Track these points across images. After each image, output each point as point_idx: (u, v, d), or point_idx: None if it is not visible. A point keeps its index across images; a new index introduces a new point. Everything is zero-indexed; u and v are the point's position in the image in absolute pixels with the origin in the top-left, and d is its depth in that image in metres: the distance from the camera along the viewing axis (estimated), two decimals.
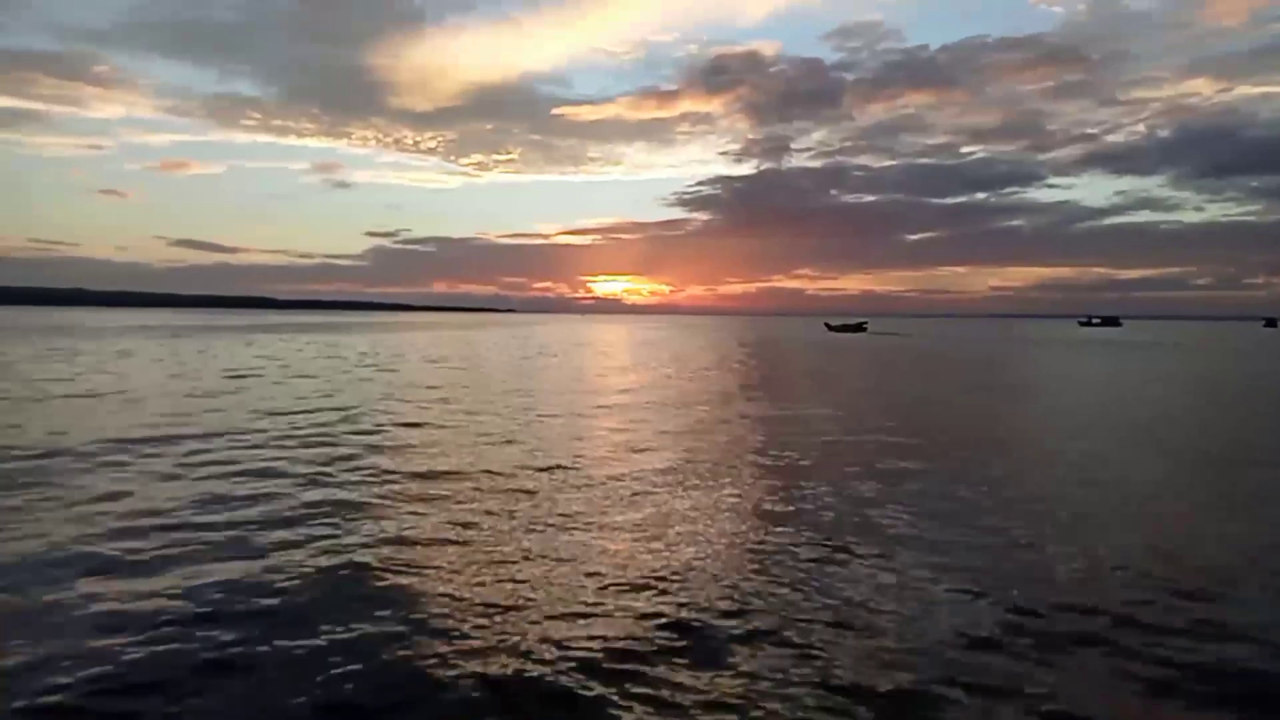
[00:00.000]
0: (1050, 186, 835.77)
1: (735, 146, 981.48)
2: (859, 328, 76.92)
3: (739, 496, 8.72)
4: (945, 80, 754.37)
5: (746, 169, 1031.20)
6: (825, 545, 6.84)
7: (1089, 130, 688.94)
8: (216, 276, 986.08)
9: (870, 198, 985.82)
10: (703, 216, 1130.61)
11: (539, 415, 15.43)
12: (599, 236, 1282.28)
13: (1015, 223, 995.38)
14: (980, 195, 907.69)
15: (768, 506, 8.24)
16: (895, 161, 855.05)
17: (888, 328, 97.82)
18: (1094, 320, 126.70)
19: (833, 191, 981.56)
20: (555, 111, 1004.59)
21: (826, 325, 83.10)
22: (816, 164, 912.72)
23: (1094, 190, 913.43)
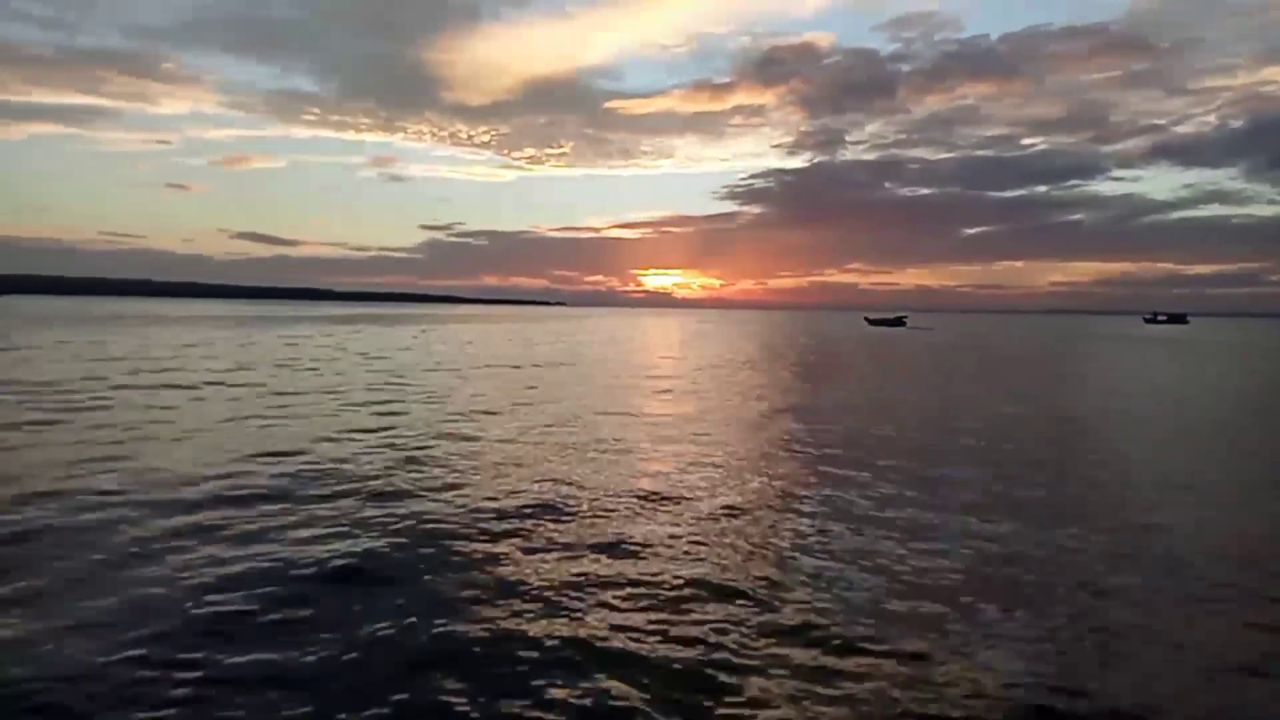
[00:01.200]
0: (1114, 179, 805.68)
1: (788, 139, 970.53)
2: (898, 322, 77.50)
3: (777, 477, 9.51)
4: (1005, 70, 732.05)
5: (799, 162, 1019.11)
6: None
7: (1156, 121, 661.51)
8: (275, 268, 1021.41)
9: (925, 191, 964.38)
10: (754, 210, 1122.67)
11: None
12: (650, 230, 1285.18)
13: (1076, 216, 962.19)
14: (1040, 188, 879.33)
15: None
16: (952, 154, 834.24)
17: (927, 323, 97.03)
18: (1160, 317, 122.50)
19: (887, 184, 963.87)
20: (607, 105, 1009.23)
21: (866, 319, 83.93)
22: (870, 157, 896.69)
23: (1160, 183, 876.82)
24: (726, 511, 7.64)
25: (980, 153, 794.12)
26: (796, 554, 6.40)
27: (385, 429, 11.91)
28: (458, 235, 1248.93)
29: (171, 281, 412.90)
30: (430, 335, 45.47)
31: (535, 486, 8.44)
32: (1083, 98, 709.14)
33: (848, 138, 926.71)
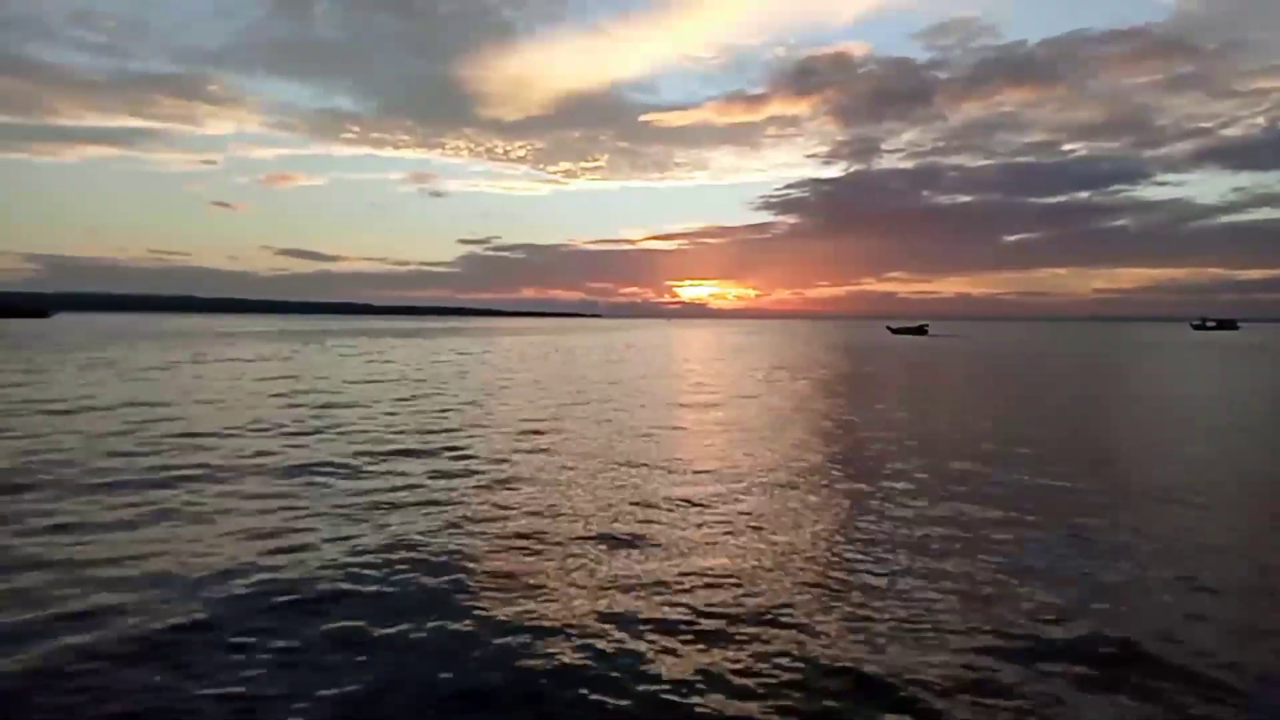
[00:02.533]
0: (1159, 184, 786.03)
1: (823, 149, 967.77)
2: (920, 330, 79.52)
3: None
4: (1045, 76, 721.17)
5: (835, 171, 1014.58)
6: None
7: (1202, 124, 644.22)
8: (318, 284, 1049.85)
9: (965, 198, 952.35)
10: (790, 220, 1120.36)
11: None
12: (685, 241, 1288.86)
13: (1121, 222, 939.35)
14: (1083, 194, 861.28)
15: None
16: (991, 161, 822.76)
17: (956, 330, 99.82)
18: (1208, 324, 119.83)
19: (925, 192, 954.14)
20: (642, 118, 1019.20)
21: (889, 328, 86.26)
22: (908, 165, 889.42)
23: (1208, 187, 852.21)
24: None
25: (1020, 159, 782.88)
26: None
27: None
28: (495, 249, 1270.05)
29: (217, 298, 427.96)
30: (509, 347, 47.31)
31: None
32: (1126, 102, 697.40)
33: (884, 146, 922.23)
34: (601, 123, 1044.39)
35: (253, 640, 4.86)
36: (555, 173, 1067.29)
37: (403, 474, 9.71)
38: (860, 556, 6.59)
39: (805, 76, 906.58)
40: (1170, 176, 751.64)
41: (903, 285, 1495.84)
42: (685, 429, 14.10)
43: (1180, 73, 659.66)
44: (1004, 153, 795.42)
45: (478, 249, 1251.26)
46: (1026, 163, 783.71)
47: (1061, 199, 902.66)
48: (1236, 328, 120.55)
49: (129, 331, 63.14)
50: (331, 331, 75.63)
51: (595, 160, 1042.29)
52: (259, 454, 10.81)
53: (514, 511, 7.95)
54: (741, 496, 8.76)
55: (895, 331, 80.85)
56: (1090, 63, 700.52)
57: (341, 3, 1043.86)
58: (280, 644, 4.81)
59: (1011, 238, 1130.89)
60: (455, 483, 9.26)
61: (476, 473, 9.84)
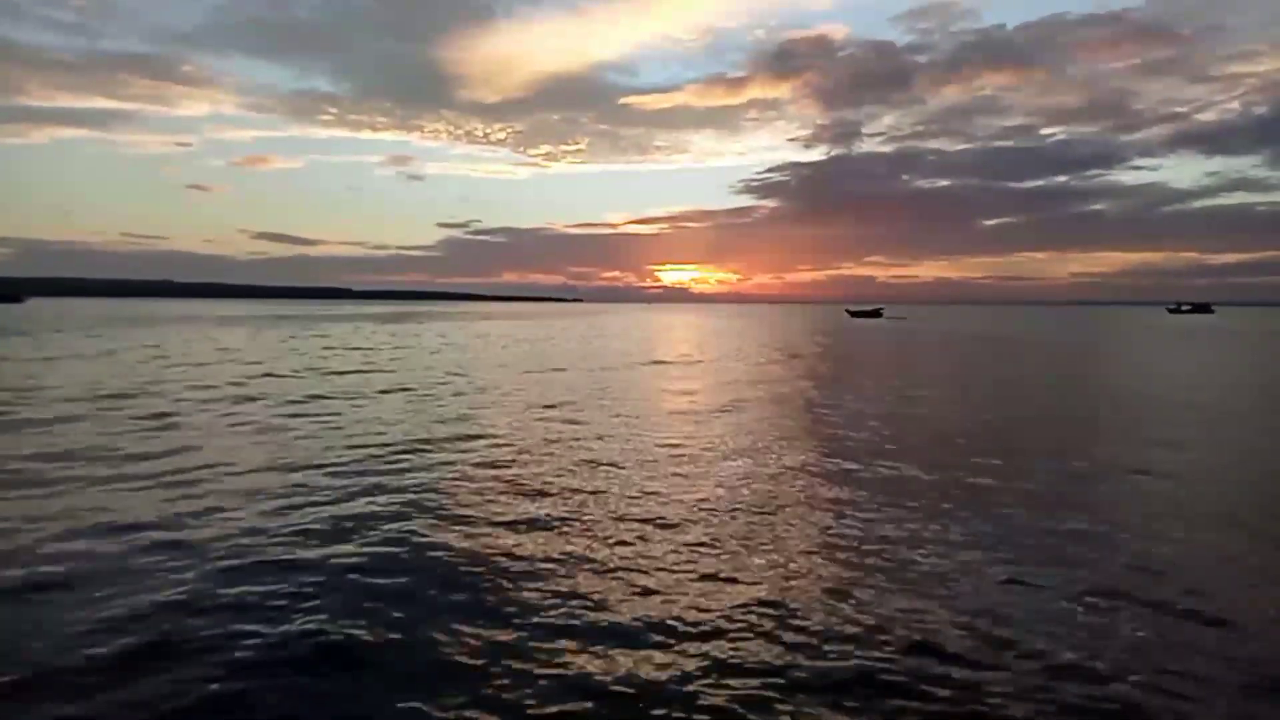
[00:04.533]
0: (1135, 168, 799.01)
1: (804, 132, 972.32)
2: (875, 314, 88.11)
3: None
4: (1023, 60, 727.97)
5: (816, 155, 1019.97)
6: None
7: (1178, 109, 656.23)
8: (296, 268, 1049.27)
9: (944, 182, 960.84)
10: (771, 204, 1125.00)
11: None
12: (666, 225, 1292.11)
13: (1098, 206, 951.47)
14: (1060, 178, 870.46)
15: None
16: (970, 145, 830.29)
17: (903, 314, 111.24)
18: (1184, 307, 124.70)
19: (905, 176, 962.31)
20: (622, 101, 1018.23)
21: (847, 311, 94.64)
22: (888, 149, 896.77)
23: (1183, 171, 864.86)
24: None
25: (999, 143, 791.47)
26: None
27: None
28: (475, 233, 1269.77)
29: (194, 283, 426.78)
30: (494, 332, 51.01)
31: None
32: (1103, 86, 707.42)
33: (864, 130, 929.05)
34: (582, 105, 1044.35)
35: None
36: (535, 156, 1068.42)
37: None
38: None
39: (785, 59, 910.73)
40: (1146, 161, 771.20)
41: (882, 270, 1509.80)
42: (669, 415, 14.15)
43: (1157, 57, 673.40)
44: (983, 137, 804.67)
45: (457, 233, 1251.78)
46: (1005, 147, 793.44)
47: (1039, 183, 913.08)
48: (1211, 311, 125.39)
49: (119, 316, 66.49)
50: (329, 316, 79.18)
51: (575, 143, 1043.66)
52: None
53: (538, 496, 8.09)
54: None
55: (853, 315, 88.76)
56: (1068, 47, 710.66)
57: None
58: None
59: (990, 222, 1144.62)
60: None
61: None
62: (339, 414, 13.32)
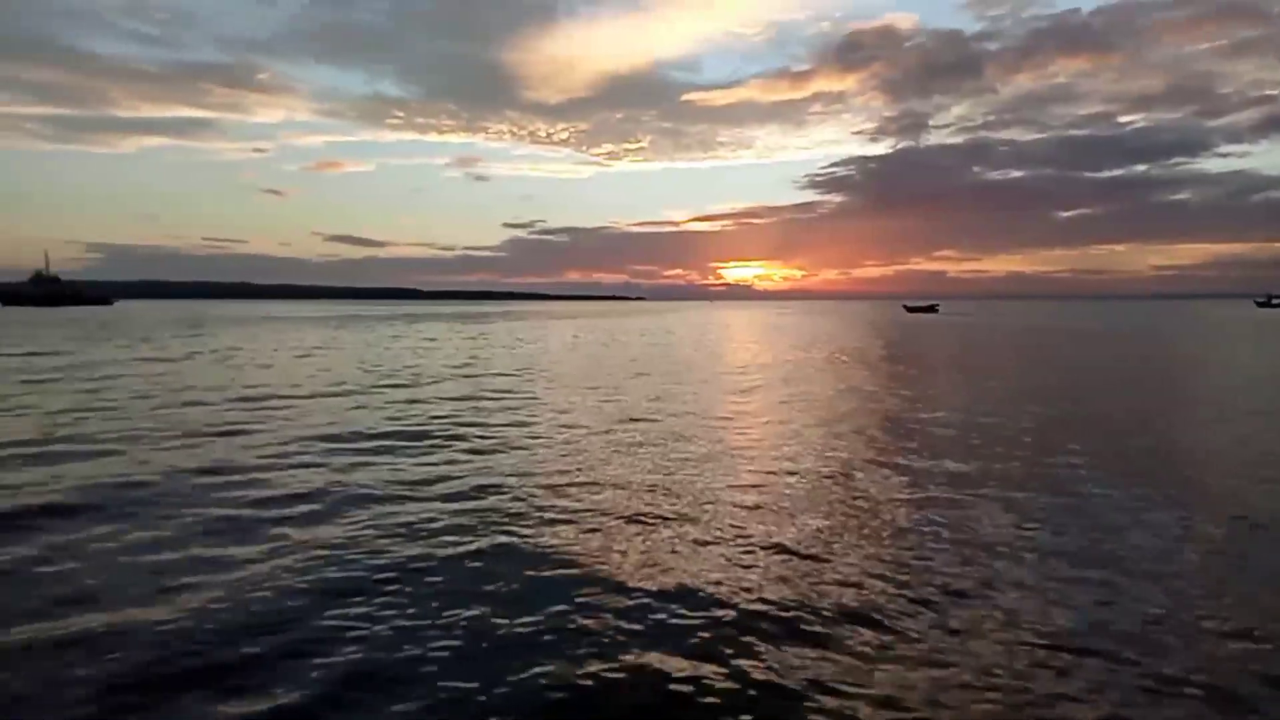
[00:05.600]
0: (1222, 155, 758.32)
1: (870, 125, 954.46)
2: (931, 309, 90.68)
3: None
4: (1100, 45, 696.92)
5: (882, 148, 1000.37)
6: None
7: (1269, 91, 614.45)
8: (365, 269, 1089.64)
9: (1017, 173, 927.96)
10: (836, 199, 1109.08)
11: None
12: (729, 222, 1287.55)
13: (1181, 196, 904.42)
14: (1140, 167, 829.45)
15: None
16: (1044, 134, 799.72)
17: (962, 310, 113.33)
18: (1274, 300, 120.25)
19: (975, 168, 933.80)
20: (685, 97, 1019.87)
21: (904, 307, 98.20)
22: (957, 140, 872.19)
23: (1274, 158, 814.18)
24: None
25: (1075, 132, 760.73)
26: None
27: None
28: (539, 232, 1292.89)
29: (269, 284, 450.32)
30: (598, 330, 55.36)
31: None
32: (1186, 70, 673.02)
33: (932, 122, 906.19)
34: (644, 103, 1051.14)
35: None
36: (598, 155, 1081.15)
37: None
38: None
39: (851, 51, 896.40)
40: (1234, 147, 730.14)
41: (952, 264, 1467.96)
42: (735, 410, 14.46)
43: (1244, 37, 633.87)
44: (1058, 126, 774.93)
45: (521, 233, 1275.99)
46: (1081, 135, 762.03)
47: (1118, 173, 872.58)
48: None
49: (224, 316, 73.27)
50: (410, 316, 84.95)
51: (638, 141, 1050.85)
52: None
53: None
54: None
55: (910, 310, 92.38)
56: (1148, 30, 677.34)
57: None
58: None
59: (1066, 214, 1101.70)
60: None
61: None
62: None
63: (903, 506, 7.59)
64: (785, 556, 6.15)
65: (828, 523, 7.05)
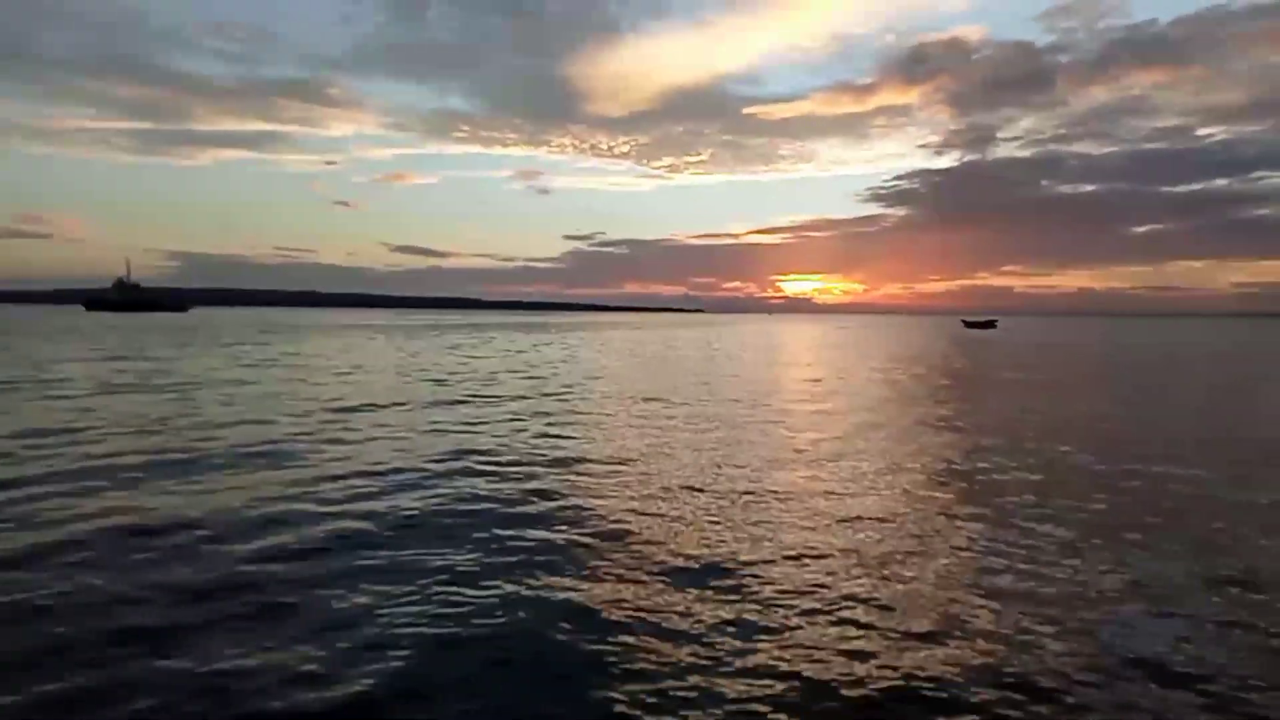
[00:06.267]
0: None
1: (935, 138, 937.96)
2: (990, 324, 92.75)
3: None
4: (1179, 56, 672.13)
5: (947, 161, 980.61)
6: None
7: None
8: (429, 279, 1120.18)
9: (1089, 187, 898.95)
10: (899, 212, 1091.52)
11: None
12: (790, 235, 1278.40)
13: (1263, 211, 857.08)
14: (1220, 181, 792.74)
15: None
16: (1117, 147, 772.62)
17: (1017, 324, 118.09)
18: None
19: (1044, 182, 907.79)
20: (746, 111, 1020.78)
21: (963, 322, 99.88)
22: (1026, 153, 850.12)
23: None
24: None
25: (1150, 145, 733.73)
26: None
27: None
28: (599, 245, 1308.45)
29: (337, 293, 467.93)
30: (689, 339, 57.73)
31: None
32: (1271, 81, 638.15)
33: (1000, 134, 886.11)
34: (705, 116, 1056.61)
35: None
36: (659, 168, 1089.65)
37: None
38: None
39: (916, 64, 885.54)
40: None
41: (1019, 279, 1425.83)
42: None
43: None
44: (1132, 139, 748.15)
45: (582, 245, 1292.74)
46: (1157, 149, 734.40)
47: (1196, 187, 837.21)
48: None
49: (302, 324, 77.88)
50: (475, 325, 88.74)
51: (698, 154, 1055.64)
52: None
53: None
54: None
55: (968, 325, 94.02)
56: (1231, 41, 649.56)
57: (455, 6, 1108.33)
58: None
59: (1140, 229, 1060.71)
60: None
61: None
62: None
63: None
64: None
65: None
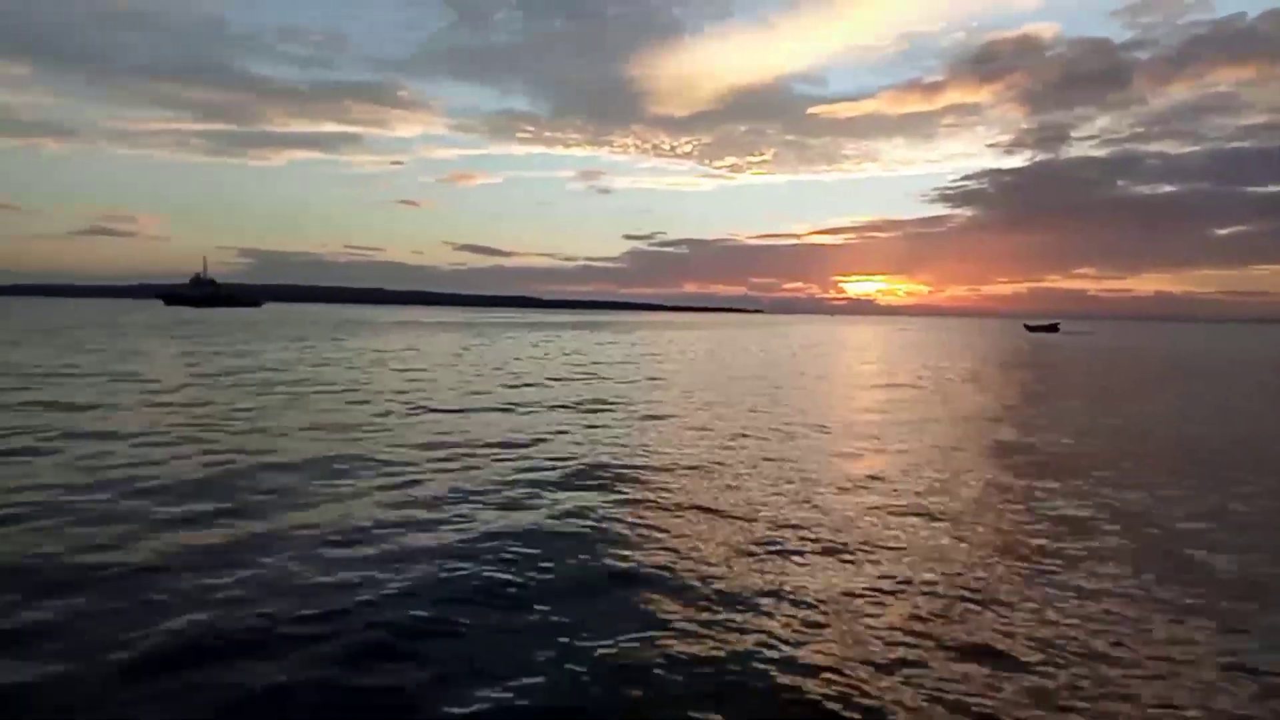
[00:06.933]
0: None
1: (1005, 138, 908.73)
2: (1053, 328, 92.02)
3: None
4: (1268, 52, 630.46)
5: (1018, 161, 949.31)
6: None
7: None
8: (492, 277, 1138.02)
9: (1168, 188, 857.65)
10: (966, 212, 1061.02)
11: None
12: (852, 235, 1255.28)
13: None
14: None
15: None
16: (1199, 147, 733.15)
17: (1080, 328, 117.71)
18: None
19: (1120, 182, 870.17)
20: (810, 111, 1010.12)
21: (1026, 326, 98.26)
22: (1101, 153, 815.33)
23: None
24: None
25: (1235, 144, 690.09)
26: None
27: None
28: (659, 244, 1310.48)
29: (402, 290, 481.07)
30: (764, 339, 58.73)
31: None
32: None
33: (1074, 133, 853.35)
34: (768, 116, 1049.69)
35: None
36: (721, 167, 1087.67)
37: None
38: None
39: (986, 62, 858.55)
40: None
41: (1093, 282, 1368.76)
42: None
43: None
44: (1215, 138, 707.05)
45: (641, 244, 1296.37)
46: (1242, 148, 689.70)
47: None
48: None
49: (375, 320, 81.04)
50: (539, 324, 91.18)
51: (761, 154, 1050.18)
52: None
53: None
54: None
55: (1030, 329, 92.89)
56: None
57: (519, 9, 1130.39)
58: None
59: (1222, 231, 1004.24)
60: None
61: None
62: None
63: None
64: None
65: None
